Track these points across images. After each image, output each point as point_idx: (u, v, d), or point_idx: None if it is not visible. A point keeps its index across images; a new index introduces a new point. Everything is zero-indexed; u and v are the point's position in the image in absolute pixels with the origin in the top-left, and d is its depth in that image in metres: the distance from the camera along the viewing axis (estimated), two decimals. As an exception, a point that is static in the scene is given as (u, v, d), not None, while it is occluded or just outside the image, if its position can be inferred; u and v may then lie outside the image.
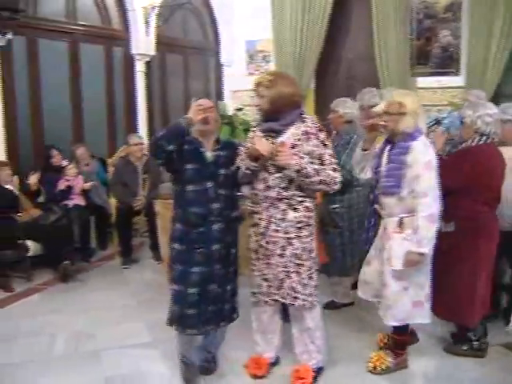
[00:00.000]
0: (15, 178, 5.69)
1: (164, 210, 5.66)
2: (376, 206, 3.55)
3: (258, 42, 8.96)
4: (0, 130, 5.95)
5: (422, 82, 7.58)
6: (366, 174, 3.66)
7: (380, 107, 3.45)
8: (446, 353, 3.91)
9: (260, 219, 3.34)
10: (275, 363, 3.71)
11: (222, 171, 3.34)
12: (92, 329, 4.44)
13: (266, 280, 3.41)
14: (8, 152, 6.00)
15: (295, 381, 3.48)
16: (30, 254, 5.52)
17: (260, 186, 3.29)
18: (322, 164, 3.23)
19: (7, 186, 5.56)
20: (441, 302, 3.60)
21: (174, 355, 3.64)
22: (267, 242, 3.34)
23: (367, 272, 3.68)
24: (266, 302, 3.46)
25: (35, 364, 3.88)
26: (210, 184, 3.28)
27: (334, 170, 3.27)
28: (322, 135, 3.29)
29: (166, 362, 3.80)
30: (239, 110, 8.80)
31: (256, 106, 3.33)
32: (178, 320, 3.40)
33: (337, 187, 3.32)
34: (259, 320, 3.58)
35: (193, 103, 3.26)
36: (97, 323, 4.55)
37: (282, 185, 3.24)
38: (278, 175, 3.23)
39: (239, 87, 9.17)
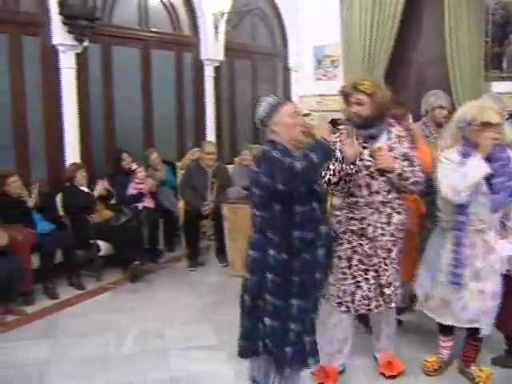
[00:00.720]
0: (100, 183, 5.90)
1: (231, 214, 5.71)
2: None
3: (325, 46, 8.90)
4: (75, 134, 6.16)
5: (496, 86, 7.25)
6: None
7: (494, 118, 3.17)
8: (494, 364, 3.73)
9: (367, 225, 3.33)
10: (342, 371, 3.66)
11: (319, 188, 2.99)
12: (159, 328, 4.53)
13: (360, 288, 3.38)
14: (82, 155, 6.20)
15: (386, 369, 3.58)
16: (101, 253, 5.70)
17: (364, 192, 3.31)
18: (411, 165, 3.31)
19: (82, 188, 5.75)
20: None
21: (239, 358, 3.64)
22: (375, 247, 3.34)
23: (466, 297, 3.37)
24: (357, 310, 3.42)
25: (104, 360, 4.00)
26: (315, 204, 2.88)
27: (420, 170, 3.36)
28: (409, 137, 3.44)
29: (232, 364, 3.81)
30: (306, 115, 8.77)
31: (353, 113, 3.30)
32: (281, 359, 2.89)
33: (422, 187, 3.43)
34: (339, 328, 3.52)
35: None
36: (164, 323, 4.63)
37: (386, 189, 3.30)
38: (382, 179, 3.28)
39: (306, 92, 9.15)
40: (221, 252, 6.09)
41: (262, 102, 2.95)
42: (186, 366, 3.89)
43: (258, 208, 2.84)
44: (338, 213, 3.41)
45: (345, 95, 3.37)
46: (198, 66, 7.88)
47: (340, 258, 3.39)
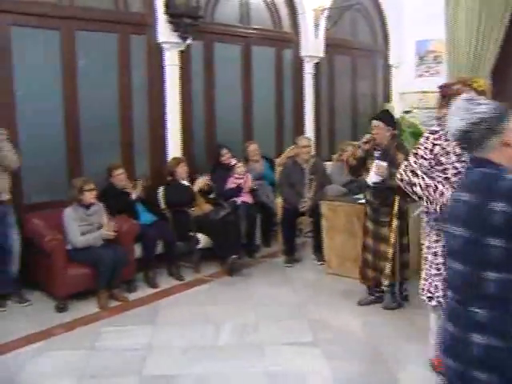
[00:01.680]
0: (200, 179, 6.03)
1: (330, 212, 5.63)
2: None
3: (428, 42, 8.60)
4: (177, 129, 6.33)
5: None
6: None
7: None
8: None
9: None
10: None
11: None
12: (255, 322, 4.55)
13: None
14: (183, 150, 6.37)
15: None
16: (200, 246, 5.82)
17: None
18: None
19: (183, 182, 5.89)
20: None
21: (335, 356, 3.58)
22: None
23: None
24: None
25: (201, 350, 4.07)
26: None
27: None
28: None
29: (328, 362, 3.75)
30: (407, 112, 8.52)
31: None
32: None
33: None
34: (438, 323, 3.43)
35: None
36: (260, 317, 4.64)
37: None
38: None
39: (407, 89, 8.88)
40: (317, 250, 6.03)
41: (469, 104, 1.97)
42: (281, 362, 3.87)
43: (497, 267, 1.84)
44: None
45: (447, 94, 3.18)
46: (298, 63, 7.86)
47: (436, 254, 3.38)
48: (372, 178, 4.57)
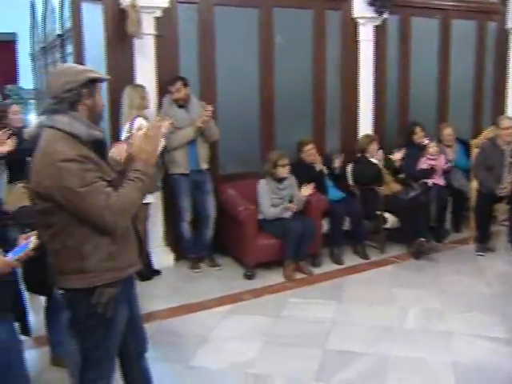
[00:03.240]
0: (380, 153, 5.88)
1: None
2: None
3: None
4: (369, 105, 6.23)
5: None
6: None
7: None
8: None
9: None
10: None
11: None
12: (443, 310, 4.35)
13: None
14: (374, 126, 6.25)
15: None
16: (387, 226, 5.69)
17: None
18: None
19: (372, 160, 5.78)
20: None
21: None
22: None
23: None
24: None
25: (385, 331, 4.00)
26: None
27: None
28: None
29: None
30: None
31: None
32: None
33: None
34: None
35: None
36: (448, 305, 4.43)
37: None
38: None
39: None
40: (515, 239, 5.56)
41: None
42: (469, 353, 3.66)
43: None
44: None
45: None
46: (503, 36, 7.22)
47: None
48: None
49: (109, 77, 2.39)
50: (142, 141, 2.35)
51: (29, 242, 2.23)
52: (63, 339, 2.81)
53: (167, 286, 4.94)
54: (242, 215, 4.99)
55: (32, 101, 11.19)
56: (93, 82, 2.30)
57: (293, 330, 4.06)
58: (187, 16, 5.33)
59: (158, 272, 5.08)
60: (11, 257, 2.17)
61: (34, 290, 3.03)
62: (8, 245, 2.29)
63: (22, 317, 2.46)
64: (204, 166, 5.13)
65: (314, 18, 5.93)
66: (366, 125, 6.20)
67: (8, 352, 2.35)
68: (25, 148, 3.75)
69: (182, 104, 5.01)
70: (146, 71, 5.06)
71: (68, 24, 7.03)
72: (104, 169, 2.29)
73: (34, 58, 11.31)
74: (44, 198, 2.22)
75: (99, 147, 2.33)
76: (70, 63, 2.99)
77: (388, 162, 5.93)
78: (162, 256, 5.24)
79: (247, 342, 3.89)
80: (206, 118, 4.94)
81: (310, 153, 5.54)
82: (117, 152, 2.84)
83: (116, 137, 4.72)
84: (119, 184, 2.29)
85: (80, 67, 2.36)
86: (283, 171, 5.12)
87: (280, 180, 5.15)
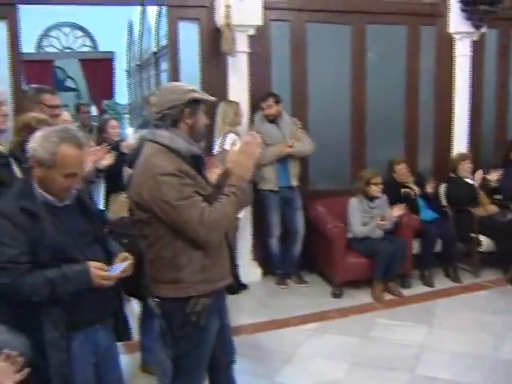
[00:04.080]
0: (480, 172, 5.66)
1: None
2: None
3: None
4: (465, 122, 6.01)
5: None
6: None
7: None
8: None
9: None
10: None
11: None
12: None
13: None
14: (470, 144, 6.03)
15: None
16: (481, 249, 5.44)
17: None
18: None
19: (467, 180, 5.58)
20: None
21: None
22: None
23: None
24: None
25: (480, 360, 3.81)
26: None
27: None
28: None
29: None
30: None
31: None
32: None
33: None
34: None
35: None
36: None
37: None
38: None
39: None
40: None
41: None
42: None
43: None
44: None
45: None
46: None
47: None
48: None
49: (214, 98, 2.46)
50: (237, 156, 2.40)
51: (122, 265, 2.32)
52: (154, 347, 2.89)
53: (254, 301, 4.97)
54: (331, 233, 4.95)
55: (126, 115, 11.74)
56: (196, 102, 2.37)
57: (380, 352, 3.97)
58: (280, 33, 5.41)
59: (245, 286, 5.12)
60: (114, 271, 2.26)
61: (131, 293, 3.14)
62: (110, 256, 2.38)
63: (121, 322, 2.54)
64: (294, 182, 5.15)
65: (407, 33, 5.84)
66: (460, 142, 5.98)
67: (109, 357, 2.44)
68: (124, 160, 3.91)
69: (273, 120, 5.06)
70: (238, 87, 5.17)
71: (163, 42, 7.34)
72: (200, 183, 2.35)
73: (129, 74, 11.88)
74: (142, 209, 2.31)
75: (197, 162, 2.39)
76: (178, 82, 3.11)
77: (484, 182, 5.68)
78: (249, 270, 5.28)
79: (334, 361, 3.83)
80: (290, 150, 4.99)
81: (402, 172, 5.44)
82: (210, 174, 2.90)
83: (208, 151, 4.83)
84: (215, 198, 2.34)
85: (186, 87, 2.42)
86: (376, 190, 5.05)
87: (372, 198, 5.08)
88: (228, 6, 4.89)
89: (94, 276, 2.18)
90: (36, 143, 2.19)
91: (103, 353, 2.39)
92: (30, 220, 2.14)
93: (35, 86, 4.00)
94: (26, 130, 2.80)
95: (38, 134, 2.23)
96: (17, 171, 2.77)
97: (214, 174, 2.63)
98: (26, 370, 1.93)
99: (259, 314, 4.64)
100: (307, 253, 5.35)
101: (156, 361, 2.78)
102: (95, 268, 2.19)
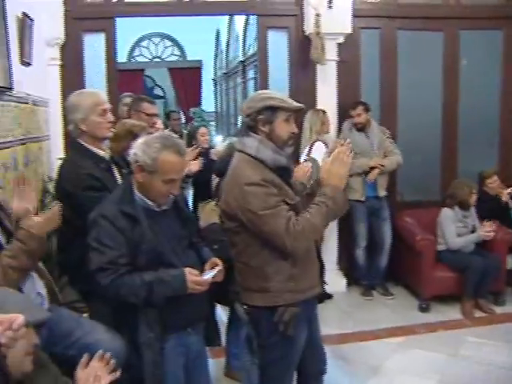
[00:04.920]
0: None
1: None
2: None
3: None
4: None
5: None
6: None
7: None
8: None
9: None
10: None
11: None
12: None
13: None
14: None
15: None
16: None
17: None
18: None
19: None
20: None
21: None
22: None
23: None
24: None
25: None
26: None
27: None
28: None
29: None
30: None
31: None
32: None
33: None
34: None
35: None
36: None
37: None
38: None
39: None
40: None
41: None
42: None
43: None
44: None
45: None
46: None
47: None
48: None
49: (300, 105, 2.41)
50: (330, 165, 2.37)
51: (214, 271, 2.36)
52: (241, 353, 2.91)
53: (338, 311, 4.92)
54: (420, 245, 4.81)
55: (212, 123, 12.00)
56: (273, 109, 2.34)
57: (469, 371, 3.79)
58: (369, 41, 5.36)
59: (329, 296, 5.07)
60: (207, 277, 2.31)
61: (218, 299, 3.18)
62: (202, 261, 2.43)
63: (212, 327, 2.59)
64: (382, 193, 5.07)
65: (504, 38, 5.59)
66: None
67: (198, 361, 2.49)
68: (212, 168, 3.98)
69: (362, 128, 5.00)
70: (327, 96, 5.15)
71: (250, 51, 7.44)
72: (287, 192, 2.35)
73: (215, 83, 12.15)
74: (230, 218, 2.35)
75: (284, 172, 2.39)
76: (264, 90, 3.13)
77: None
78: (334, 280, 5.21)
79: (421, 378, 3.71)
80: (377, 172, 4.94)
81: (494, 185, 5.21)
82: (301, 173, 2.90)
83: (296, 159, 4.83)
84: (304, 207, 2.33)
85: (265, 95, 2.41)
86: (475, 199, 4.90)
87: (467, 208, 4.91)
88: (318, 15, 4.89)
89: (189, 281, 2.23)
90: (139, 149, 2.28)
91: (193, 356, 2.44)
92: (130, 224, 2.23)
93: (134, 94, 4.16)
94: (128, 137, 2.92)
95: (141, 141, 2.32)
96: (118, 176, 2.88)
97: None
98: (118, 372, 2.01)
99: (343, 324, 4.59)
100: (393, 264, 5.24)
101: (242, 367, 2.80)
102: (190, 274, 2.25)
